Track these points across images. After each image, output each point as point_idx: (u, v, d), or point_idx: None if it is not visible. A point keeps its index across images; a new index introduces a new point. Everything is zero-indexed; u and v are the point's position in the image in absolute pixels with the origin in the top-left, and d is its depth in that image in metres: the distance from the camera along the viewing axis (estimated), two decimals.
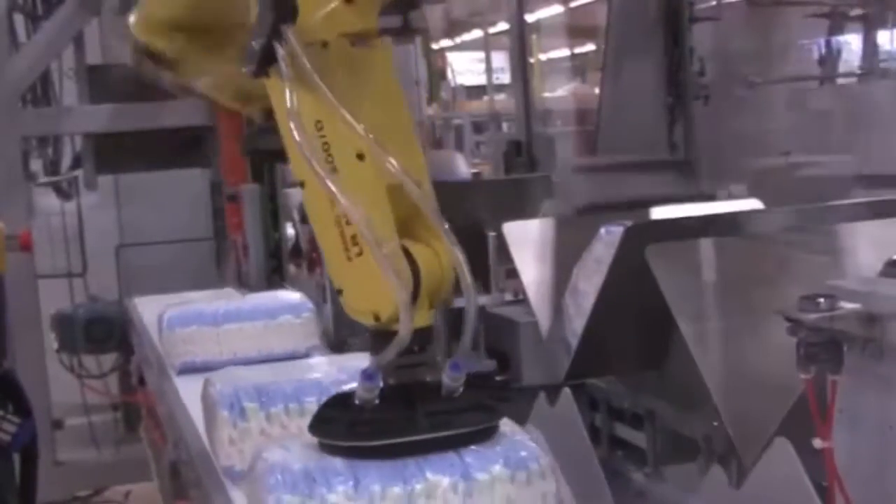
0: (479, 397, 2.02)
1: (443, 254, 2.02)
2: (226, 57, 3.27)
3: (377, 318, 1.97)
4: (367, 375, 1.94)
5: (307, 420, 2.25)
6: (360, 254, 1.95)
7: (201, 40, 3.56)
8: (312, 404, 2.44)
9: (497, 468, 1.93)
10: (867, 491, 1.77)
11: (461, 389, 1.99)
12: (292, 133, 1.95)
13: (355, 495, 1.86)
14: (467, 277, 1.99)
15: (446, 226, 2.00)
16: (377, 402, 1.95)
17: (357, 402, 1.96)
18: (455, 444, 1.94)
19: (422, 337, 1.98)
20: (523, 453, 1.98)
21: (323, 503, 1.85)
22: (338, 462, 1.91)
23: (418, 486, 1.88)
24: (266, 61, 2.02)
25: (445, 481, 1.89)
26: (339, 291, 2.03)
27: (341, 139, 1.97)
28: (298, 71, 1.97)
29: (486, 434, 1.99)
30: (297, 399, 2.54)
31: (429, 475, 1.89)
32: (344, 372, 2.63)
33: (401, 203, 2.00)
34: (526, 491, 1.95)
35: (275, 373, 2.74)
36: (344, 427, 1.95)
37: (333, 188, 1.90)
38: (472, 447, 1.96)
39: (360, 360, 2.50)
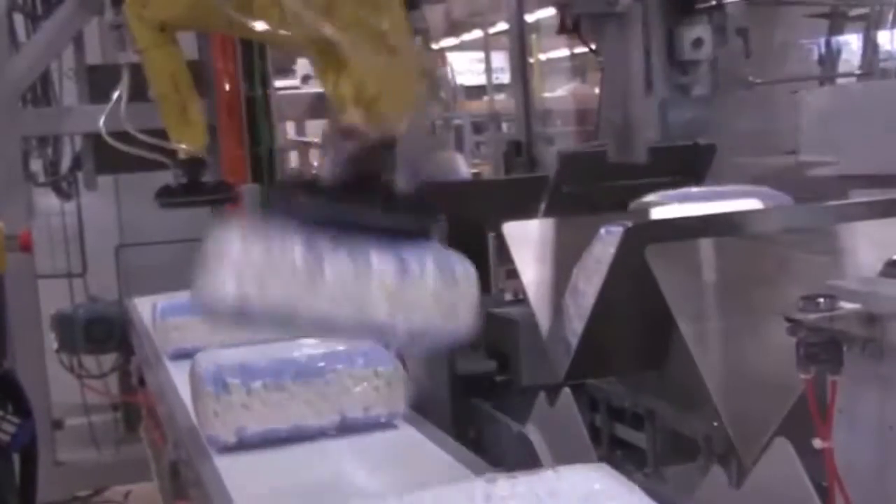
0: (423, 202, 2.23)
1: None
2: None
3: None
4: (335, 162, 2.16)
5: (285, 395, 2.65)
6: (394, 54, 2.17)
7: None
8: (289, 381, 2.73)
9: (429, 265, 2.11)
10: (867, 491, 1.77)
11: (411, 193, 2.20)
12: None
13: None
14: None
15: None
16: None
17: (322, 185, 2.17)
18: (396, 233, 2.15)
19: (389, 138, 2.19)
20: (453, 258, 2.17)
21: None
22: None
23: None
24: None
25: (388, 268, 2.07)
26: (376, 100, 2.16)
27: None
28: None
29: (423, 231, 2.20)
30: (275, 375, 2.74)
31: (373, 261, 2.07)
32: (323, 351, 2.85)
33: None
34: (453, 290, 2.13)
35: (256, 352, 2.88)
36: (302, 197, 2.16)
37: None
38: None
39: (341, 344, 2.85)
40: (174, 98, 4.62)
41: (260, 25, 2.95)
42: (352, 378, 2.82)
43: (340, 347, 2.86)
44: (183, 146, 4.61)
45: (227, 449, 2.72)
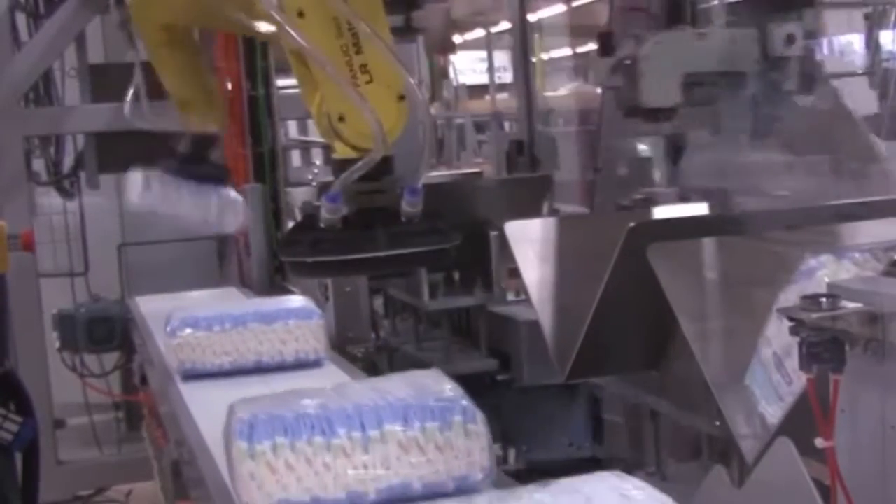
0: (435, 223, 2.19)
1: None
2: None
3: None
4: (329, 198, 2.12)
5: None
6: (370, 81, 2.14)
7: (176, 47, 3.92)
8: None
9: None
10: (869, 490, 1.77)
11: (419, 217, 2.17)
12: None
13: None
14: (416, 92, 2.21)
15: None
16: (340, 225, 2.14)
17: (322, 224, 2.13)
18: (412, 262, 2.15)
19: (384, 165, 2.14)
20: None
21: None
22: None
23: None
24: None
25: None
26: (341, 118, 2.16)
27: None
28: None
29: (440, 256, 2.17)
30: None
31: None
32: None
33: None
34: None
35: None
36: (309, 245, 2.14)
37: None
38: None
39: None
40: (189, 93, 4.57)
41: (263, 26, 2.94)
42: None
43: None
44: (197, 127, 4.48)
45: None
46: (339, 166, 2.17)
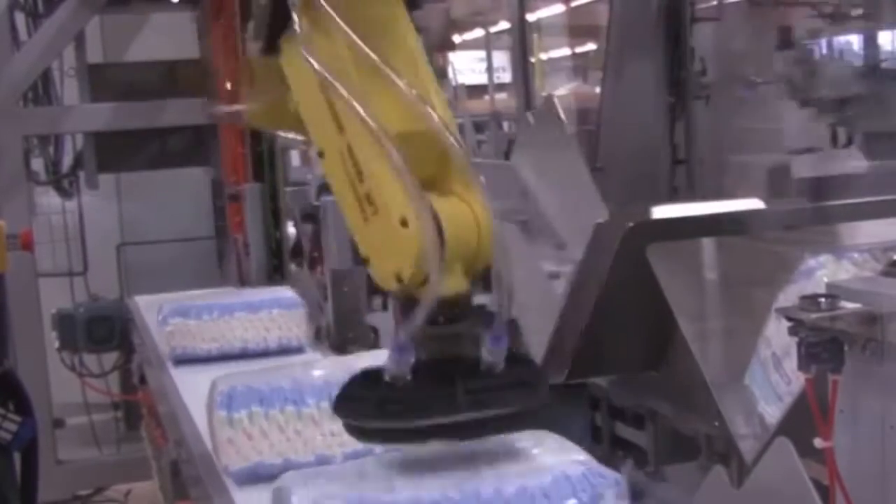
0: (521, 374, 1.82)
1: (479, 211, 1.80)
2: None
3: (400, 280, 1.76)
4: (397, 347, 1.74)
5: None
6: (375, 212, 1.78)
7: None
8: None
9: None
10: (868, 491, 1.77)
11: (502, 365, 1.78)
12: (312, 99, 1.84)
13: None
14: (500, 236, 1.80)
15: (482, 179, 1.79)
16: (409, 378, 1.75)
17: (387, 378, 1.76)
18: (498, 426, 1.78)
19: (457, 305, 1.77)
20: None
21: None
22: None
23: None
24: (274, 33, 1.94)
25: None
26: (366, 261, 1.84)
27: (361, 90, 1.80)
28: (313, 20, 1.83)
29: (529, 417, 1.82)
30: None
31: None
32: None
33: (427, 156, 1.81)
34: None
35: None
36: (373, 405, 1.76)
37: (375, 129, 1.73)
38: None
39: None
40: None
41: None
42: None
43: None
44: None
45: None
46: (402, 309, 1.78)
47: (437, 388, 1.75)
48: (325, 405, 2.43)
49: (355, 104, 1.76)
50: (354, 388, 1.84)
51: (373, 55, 1.79)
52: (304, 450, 2.48)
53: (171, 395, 3.52)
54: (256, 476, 2.47)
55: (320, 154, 1.90)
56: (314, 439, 2.48)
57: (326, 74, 1.79)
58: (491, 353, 1.78)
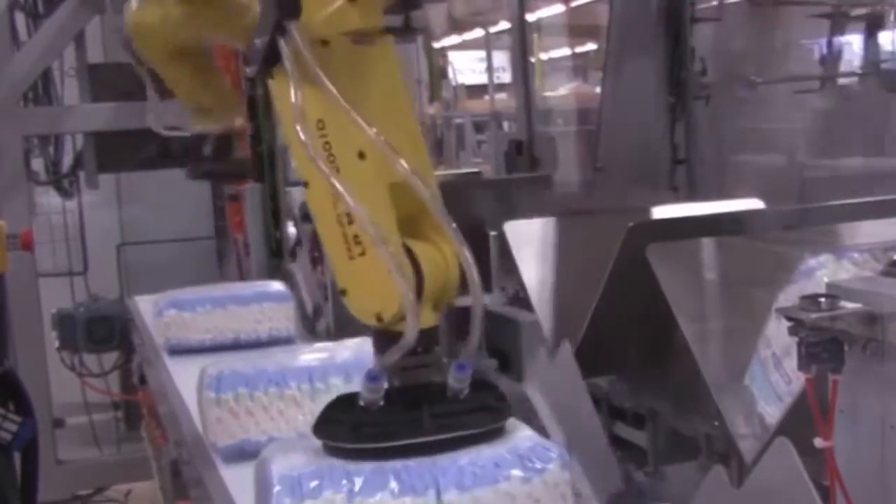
0: (484, 398, 1.98)
1: (448, 253, 2.00)
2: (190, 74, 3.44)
3: (380, 319, 1.94)
4: (370, 377, 1.91)
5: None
6: (362, 253, 1.93)
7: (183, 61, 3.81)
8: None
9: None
10: (868, 491, 1.77)
11: (466, 391, 1.95)
12: (297, 133, 1.92)
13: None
14: (475, 276, 1.95)
15: (453, 225, 1.96)
16: (381, 403, 1.92)
17: (361, 403, 1.93)
18: (462, 445, 1.90)
19: (427, 338, 1.96)
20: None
21: None
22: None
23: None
24: (269, 61, 2.00)
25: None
26: (343, 292, 1.99)
27: (344, 138, 1.95)
28: (302, 68, 1.95)
29: (493, 435, 1.95)
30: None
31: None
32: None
33: (404, 202, 1.97)
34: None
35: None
36: (348, 428, 1.91)
37: (338, 185, 1.88)
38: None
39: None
40: (199, 96, 4.56)
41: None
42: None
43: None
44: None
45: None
46: (379, 341, 1.97)
47: (406, 412, 1.91)
48: (306, 387, 2.71)
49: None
50: (332, 412, 2.00)
51: (353, 114, 1.91)
52: (286, 428, 2.69)
53: (166, 382, 3.72)
54: (243, 452, 2.65)
55: (305, 184, 2.01)
56: (296, 419, 2.69)
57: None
58: (456, 380, 1.94)
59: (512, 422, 2.02)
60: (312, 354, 2.90)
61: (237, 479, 2.56)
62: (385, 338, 1.95)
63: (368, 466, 1.84)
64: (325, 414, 2.01)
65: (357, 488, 1.79)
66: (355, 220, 1.91)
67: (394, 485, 1.80)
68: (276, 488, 1.82)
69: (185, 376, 3.47)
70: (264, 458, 1.96)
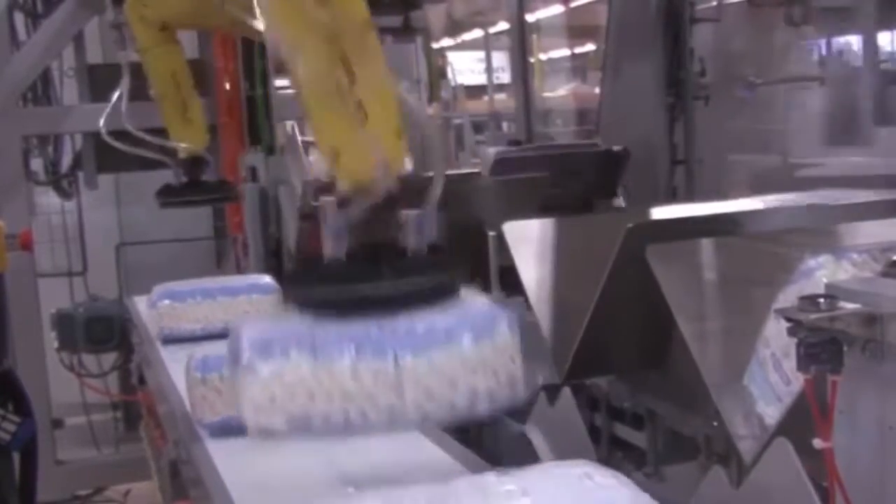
0: (441, 256, 2.10)
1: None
2: None
3: (365, 179, 2.04)
4: (333, 231, 2.04)
5: None
6: (366, 119, 2.02)
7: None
8: None
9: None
10: (867, 491, 1.77)
11: (425, 250, 2.07)
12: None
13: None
14: (420, 113, 2.13)
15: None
16: (343, 260, 2.05)
17: (324, 261, 2.06)
18: (420, 298, 2.02)
19: (391, 198, 2.07)
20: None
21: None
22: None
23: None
24: None
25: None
26: (334, 155, 2.07)
27: None
28: None
29: (447, 291, 2.06)
30: None
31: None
32: None
33: None
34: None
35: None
36: (311, 282, 2.04)
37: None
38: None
39: None
40: (174, 97, 4.66)
41: (260, 24, 2.93)
42: None
43: None
44: (184, 145, 4.67)
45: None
46: (342, 202, 2.08)
47: (367, 266, 2.03)
48: None
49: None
50: (297, 270, 2.09)
51: None
52: None
53: (159, 368, 3.97)
54: (226, 428, 2.88)
55: (288, 56, 2.09)
56: None
57: None
58: (415, 239, 2.07)
59: (467, 290, 2.11)
60: None
61: (221, 451, 2.81)
62: (351, 196, 2.05)
63: (333, 329, 1.96)
64: (291, 273, 2.13)
65: (320, 347, 1.93)
66: (366, 85, 2.01)
67: (353, 349, 1.94)
68: (247, 353, 1.97)
69: (176, 362, 3.67)
70: (236, 326, 2.08)
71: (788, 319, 1.79)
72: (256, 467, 2.61)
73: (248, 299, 4.23)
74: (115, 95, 4.91)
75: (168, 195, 4.86)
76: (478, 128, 11.48)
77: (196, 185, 4.78)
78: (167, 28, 4.51)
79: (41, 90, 6.53)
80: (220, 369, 2.96)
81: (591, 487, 1.83)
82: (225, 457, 2.76)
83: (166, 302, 4.29)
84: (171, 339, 4.20)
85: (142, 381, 4.84)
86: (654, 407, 2.75)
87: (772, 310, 2.03)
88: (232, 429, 2.77)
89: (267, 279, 4.43)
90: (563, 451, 2.21)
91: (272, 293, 4.25)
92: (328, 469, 2.60)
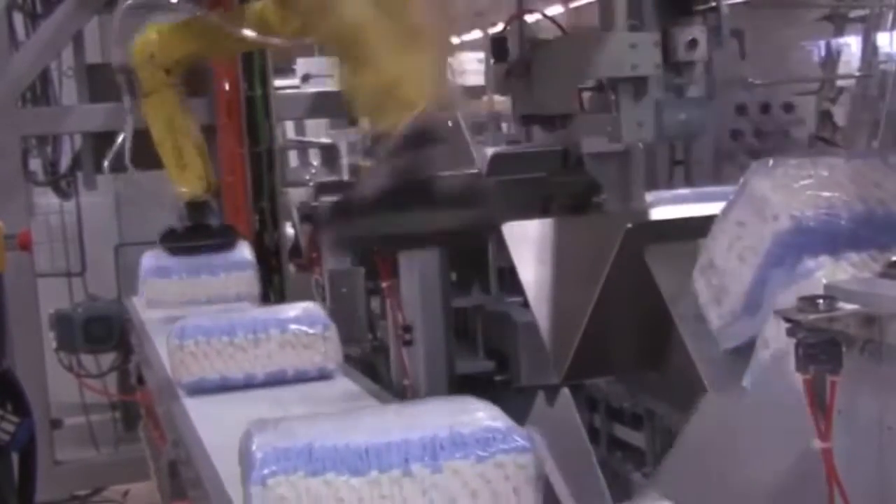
0: (472, 196, 2.22)
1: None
2: None
3: (419, 107, 2.13)
4: (371, 174, 2.17)
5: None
6: (421, 48, 2.15)
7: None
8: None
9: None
10: (866, 492, 1.77)
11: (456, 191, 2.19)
12: None
13: None
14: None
15: None
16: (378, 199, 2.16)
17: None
18: (448, 237, 2.21)
19: (425, 136, 2.17)
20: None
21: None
22: None
23: None
24: None
25: None
26: (393, 85, 2.12)
27: None
28: None
29: (487, 226, 2.32)
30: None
31: None
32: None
33: None
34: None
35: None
36: (348, 220, 2.22)
37: None
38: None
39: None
40: (170, 143, 4.69)
41: (274, 40, 3.05)
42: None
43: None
44: (184, 190, 4.71)
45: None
46: (378, 140, 2.18)
47: (402, 204, 2.14)
48: (251, 337, 3.49)
49: None
50: (334, 209, 2.33)
51: None
52: (236, 369, 3.49)
53: (145, 338, 4.58)
54: (201, 387, 3.48)
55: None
56: (243, 362, 3.50)
57: None
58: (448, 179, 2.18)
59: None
60: (258, 312, 3.85)
61: (196, 408, 3.38)
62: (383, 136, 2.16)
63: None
64: (329, 212, 2.37)
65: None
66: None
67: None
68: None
69: (161, 330, 4.12)
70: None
71: (787, 320, 1.79)
72: (225, 420, 2.97)
73: (228, 276, 4.87)
74: (120, 139, 5.04)
75: (170, 240, 4.94)
76: (477, 128, 11.47)
77: (199, 230, 4.85)
78: (172, 71, 4.56)
79: (40, 90, 6.53)
80: (195, 337, 3.48)
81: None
82: (199, 411, 3.32)
83: (154, 279, 4.94)
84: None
85: (140, 381, 4.84)
86: (653, 407, 2.75)
87: (771, 310, 2.03)
88: (204, 388, 3.48)
89: (243, 256, 4.95)
90: (562, 452, 2.20)
91: (248, 269, 4.89)
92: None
